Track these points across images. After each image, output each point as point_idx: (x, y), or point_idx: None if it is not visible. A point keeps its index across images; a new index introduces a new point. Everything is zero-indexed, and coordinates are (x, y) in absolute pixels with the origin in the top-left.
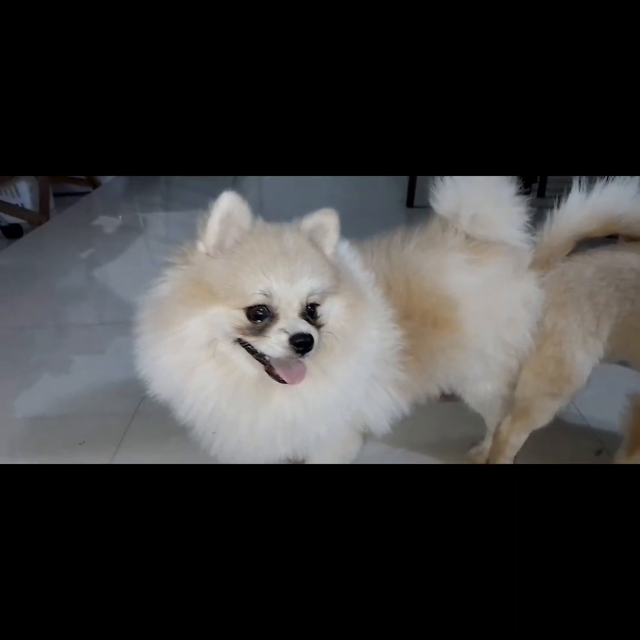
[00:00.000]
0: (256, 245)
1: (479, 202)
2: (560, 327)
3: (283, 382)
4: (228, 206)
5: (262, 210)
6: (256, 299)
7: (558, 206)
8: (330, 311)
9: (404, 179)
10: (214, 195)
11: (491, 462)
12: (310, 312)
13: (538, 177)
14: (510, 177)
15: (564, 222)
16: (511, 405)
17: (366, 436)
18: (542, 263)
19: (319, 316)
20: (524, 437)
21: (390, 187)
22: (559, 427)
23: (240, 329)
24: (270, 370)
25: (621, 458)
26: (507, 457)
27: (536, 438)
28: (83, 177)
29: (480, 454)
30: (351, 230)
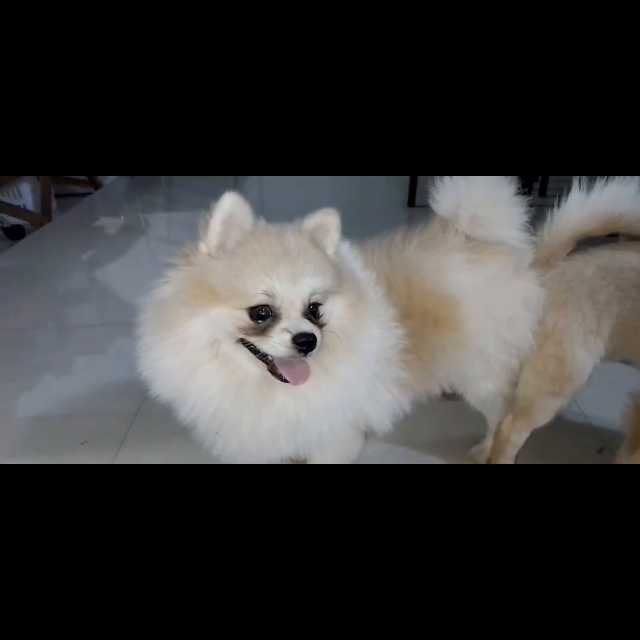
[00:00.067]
0: (258, 246)
1: (478, 203)
2: (561, 326)
3: (286, 381)
4: (230, 207)
5: (264, 210)
6: (259, 299)
7: (558, 205)
8: (332, 311)
9: (405, 179)
10: (216, 196)
11: (492, 461)
12: (312, 312)
13: (539, 176)
14: (509, 177)
15: (564, 221)
16: (512, 404)
17: (368, 435)
18: (542, 262)
19: (321, 316)
20: (525, 436)
21: (392, 187)
22: (560, 425)
23: (242, 329)
24: (273, 370)
25: (623, 456)
26: (508, 456)
27: (537, 436)
28: (85, 178)
29: (482, 453)
30: (352, 230)
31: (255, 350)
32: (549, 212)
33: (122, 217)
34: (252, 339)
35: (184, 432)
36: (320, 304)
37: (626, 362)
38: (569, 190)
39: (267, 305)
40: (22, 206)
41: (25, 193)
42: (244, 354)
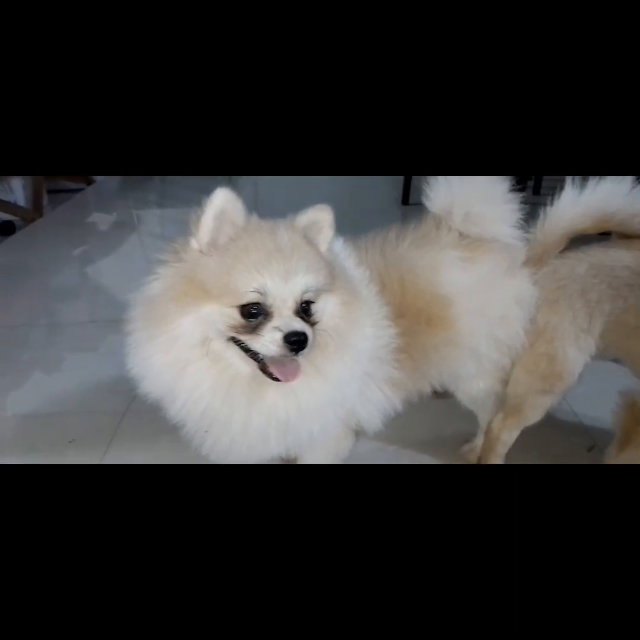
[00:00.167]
0: (250, 242)
1: (472, 200)
2: (553, 324)
3: (277, 379)
4: (222, 203)
5: (258, 207)
6: (250, 297)
7: (552, 203)
8: (325, 309)
9: (400, 177)
10: (209, 192)
11: (483, 459)
12: (304, 310)
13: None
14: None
15: (557, 219)
16: (503, 402)
17: (358, 433)
18: (535, 260)
19: (313, 314)
20: (515, 434)
21: (386, 184)
22: (551, 423)
23: (233, 328)
24: (264, 368)
25: (612, 454)
26: (498, 454)
27: (528, 434)
28: None
29: (473, 451)
30: (346, 227)
31: (246, 349)
32: (543, 210)
33: (115, 214)
34: (243, 338)
35: (173, 430)
36: (312, 302)
37: (617, 360)
38: (562, 188)
39: (258, 303)
40: (13, 202)
41: (16, 188)
42: (235, 353)
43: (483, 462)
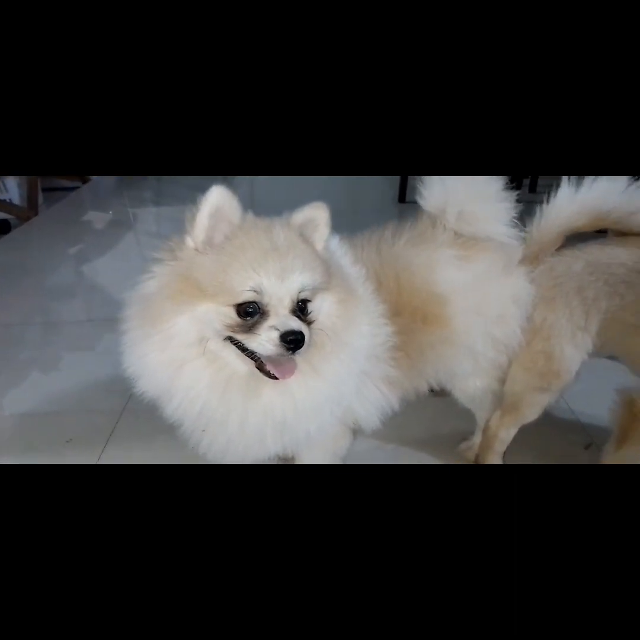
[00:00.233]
0: (246, 241)
1: (465, 199)
2: (550, 322)
3: (274, 377)
4: (217, 200)
5: (254, 205)
6: (246, 296)
7: (548, 201)
8: (321, 308)
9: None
10: (205, 190)
11: (481, 457)
12: (300, 309)
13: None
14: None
15: (553, 217)
16: (501, 400)
17: (356, 432)
18: (532, 258)
19: (310, 312)
20: (513, 432)
21: (382, 182)
22: (548, 421)
23: (230, 327)
24: (261, 367)
25: (609, 452)
26: (496, 452)
27: (526, 432)
28: None
29: (470, 449)
30: (343, 225)
31: (243, 348)
32: (539, 208)
33: (111, 212)
34: (240, 337)
35: (170, 430)
36: (309, 301)
37: (613, 358)
38: (558, 186)
39: (254, 302)
40: (8, 200)
41: (11, 187)
42: (232, 352)
43: (481, 460)
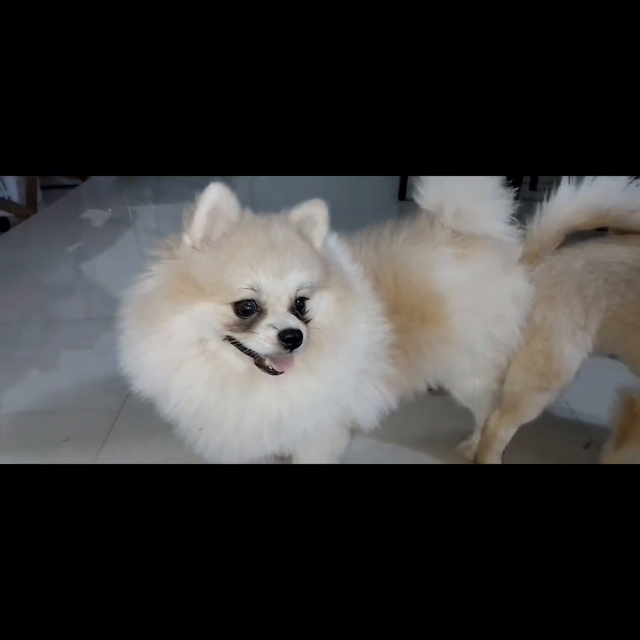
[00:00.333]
0: (244, 238)
1: (462, 197)
2: (550, 321)
3: (274, 372)
4: (215, 198)
5: (254, 202)
6: (244, 294)
7: (548, 199)
8: (319, 306)
9: None
10: (204, 187)
11: (480, 457)
12: (298, 307)
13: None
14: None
15: (553, 215)
16: (500, 399)
17: (354, 431)
18: (532, 256)
19: (308, 311)
20: (512, 431)
21: (382, 180)
22: (548, 420)
23: (228, 326)
24: (260, 363)
25: (609, 451)
26: (495, 452)
27: (525, 431)
28: None
29: (469, 448)
30: (343, 223)
31: (241, 347)
32: (539, 205)
33: (110, 209)
34: (238, 336)
35: (167, 428)
36: (307, 299)
37: (613, 357)
38: (558, 184)
39: (252, 300)
40: (7, 197)
41: (10, 184)
42: (231, 351)
43: (480, 460)
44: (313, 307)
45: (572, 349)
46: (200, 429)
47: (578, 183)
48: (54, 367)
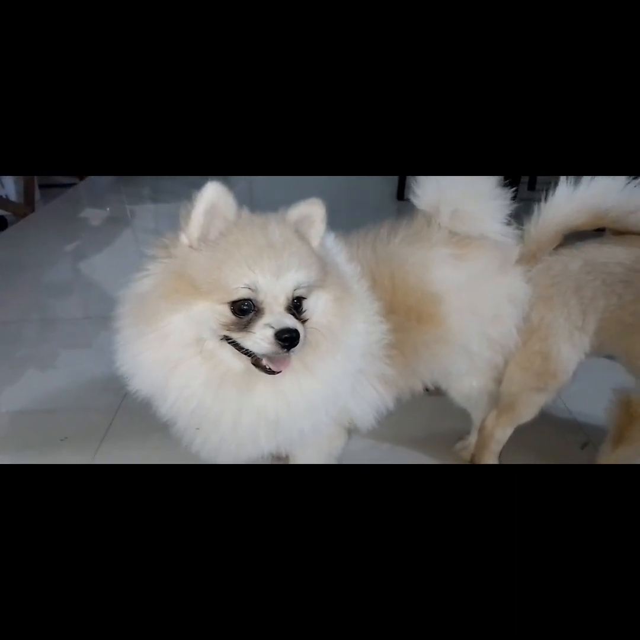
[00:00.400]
0: (241, 237)
1: (459, 198)
2: (547, 321)
3: (271, 372)
4: (212, 196)
5: (253, 202)
6: (241, 293)
7: (546, 199)
8: (316, 305)
9: None
10: (202, 186)
11: (477, 456)
12: (296, 306)
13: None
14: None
15: (551, 215)
16: (497, 400)
17: (351, 431)
18: (529, 257)
19: (305, 310)
20: (509, 431)
21: (381, 180)
22: (545, 420)
23: (225, 325)
24: (257, 363)
25: (606, 451)
26: (492, 452)
27: (522, 431)
28: None
29: (466, 449)
30: (341, 222)
31: (238, 347)
32: (537, 206)
33: (108, 208)
34: (235, 336)
35: (164, 428)
36: (304, 298)
37: (611, 357)
38: (557, 184)
39: (249, 300)
40: (4, 196)
41: (7, 183)
42: (228, 351)
43: (477, 460)
44: (310, 306)
45: (569, 350)
46: (198, 429)
47: (576, 183)
48: (52, 366)
